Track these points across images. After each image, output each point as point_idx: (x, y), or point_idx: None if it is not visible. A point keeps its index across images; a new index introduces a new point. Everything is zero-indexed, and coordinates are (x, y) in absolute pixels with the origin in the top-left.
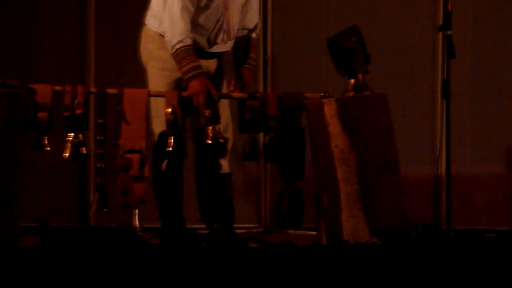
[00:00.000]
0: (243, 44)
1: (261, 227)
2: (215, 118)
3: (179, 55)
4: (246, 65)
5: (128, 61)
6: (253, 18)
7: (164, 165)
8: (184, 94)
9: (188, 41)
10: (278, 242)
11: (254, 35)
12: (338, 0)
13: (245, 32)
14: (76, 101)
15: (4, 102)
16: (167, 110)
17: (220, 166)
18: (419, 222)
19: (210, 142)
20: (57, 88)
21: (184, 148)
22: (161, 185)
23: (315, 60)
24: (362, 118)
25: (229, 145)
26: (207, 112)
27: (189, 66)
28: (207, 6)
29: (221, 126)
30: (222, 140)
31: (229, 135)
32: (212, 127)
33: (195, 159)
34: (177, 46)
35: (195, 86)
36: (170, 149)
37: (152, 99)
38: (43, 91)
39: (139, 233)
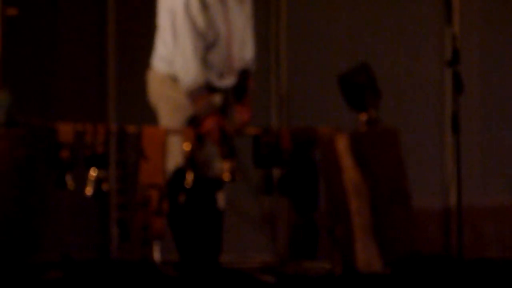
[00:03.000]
0: (241, 76)
1: (277, 259)
2: (232, 154)
3: (193, 94)
4: (246, 97)
5: (146, 99)
6: (249, 50)
7: (182, 200)
8: (199, 131)
9: (201, 80)
10: (293, 273)
11: (250, 66)
12: (349, 37)
13: (243, 64)
14: (97, 139)
15: (27, 141)
16: (184, 146)
17: (216, 200)
18: (431, 252)
19: (226, 178)
20: (78, 127)
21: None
22: (179, 219)
23: (328, 95)
24: (374, 152)
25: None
26: (223, 149)
27: (202, 104)
28: (214, 44)
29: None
30: (239, 178)
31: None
32: (228, 163)
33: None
34: (191, 86)
35: (209, 124)
36: (188, 184)
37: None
38: (64, 131)
39: (159, 266)
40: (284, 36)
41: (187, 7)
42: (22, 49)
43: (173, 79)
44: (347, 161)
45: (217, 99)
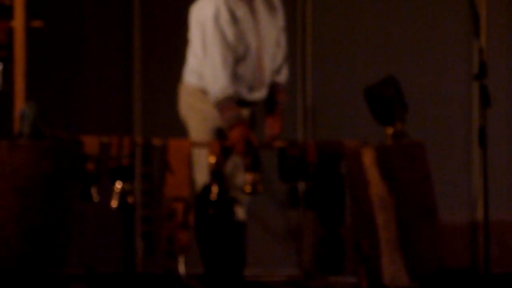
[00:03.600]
0: (273, 89)
1: (302, 273)
2: (256, 166)
3: (221, 105)
4: (277, 109)
5: (172, 112)
6: (282, 64)
7: (208, 213)
8: (225, 143)
9: (230, 92)
10: (318, 287)
11: (282, 79)
12: (375, 49)
13: (274, 78)
14: (122, 152)
15: (53, 154)
16: (210, 159)
17: (235, 213)
18: (457, 267)
19: (248, 191)
20: (104, 140)
21: (227, 196)
22: (205, 232)
23: (354, 108)
24: (400, 166)
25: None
26: (247, 160)
27: (230, 115)
28: (244, 57)
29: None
30: (260, 190)
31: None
32: (252, 175)
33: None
34: (220, 97)
35: (235, 134)
36: (214, 198)
37: (194, 149)
38: (90, 143)
39: (184, 279)
40: (310, 49)
41: (217, 19)
42: (48, 61)
43: (203, 92)
44: (373, 174)
45: (245, 111)
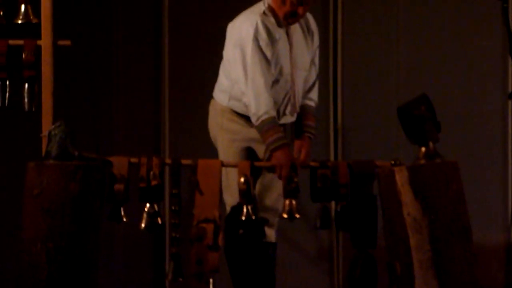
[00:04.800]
0: (302, 112)
1: None
2: (295, 193)
3: (265, 126)
4: (307, 134)
5: (201, 132)
6: (312, 87)
7: (238, 234)
8: (266, 164)
9: (273, 113)
10: None
11: (312, 103)
12: (407, 68)
13: (304, 101)
14: (151, 172)
15: (81, 175)
16: (240, 180)
17: (265, 234)
18: None
19: (286, 216)
20: (132, 160)
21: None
22: (235, 254)
23: (386, 128)
24: (434, 186)
25: (278, 217)
26: (291, 185)
27: (275, 137)
28: (277, 81)
29: (273, 197)
30: (298, 216)
31: (280, 206)
32: (289, 201)
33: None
34: (263, 118)
35: (280, 157)
36: (244, 219)
37: (223, 169)
38: (119, 163)
39: None
40: (341, 69)
41: (256, 40)
42: (76, 80)
43: (233, 112)
44: (406, 195)
45: None
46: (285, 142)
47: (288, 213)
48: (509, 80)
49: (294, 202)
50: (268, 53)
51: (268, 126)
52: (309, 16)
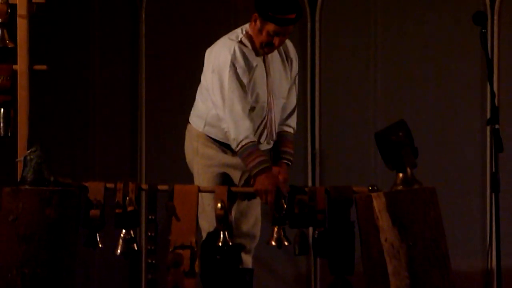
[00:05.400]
0: (280, 139)
1: None
2: (284, 220)
3: (245, 151)
4: (284, 160)
5: (177, 156)
6: (291, 115)
7: (214, 260)
8: (250, 189)
9: (253, 138)
10: None
11: (291, 130)
12: (384, 93)
13: (283, 128)
14: (127, 198)
15: (57, 200)
16: (217, 205)
17: (242, 261)
18: None
19: (274, 243)
20: (108, 185)
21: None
22: (211, 280)
23: (363, 154)
24: (411, 212)
25: (255, 243)
26: (279, 212)
27: (257, 160)
28: (253, 108)
29: (250, 222)
30: (287, 243)
31: (257, 231)
32: (278, 228)
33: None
34: (243, 143)
35: (264, 182)
36: (220, 244)
37: (199, 194)
38: (95, 189)
39: None
40: (319, 94)
41: (233, 66)
42: (52, 105)
43: (208, 138)
44: (383, 221)
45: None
46: (267, 166)
47: (276, 241)
48: (488, 106)
49: (282, 229)
50: (245, 80)
51: (249, 151)
52: (289, 44)
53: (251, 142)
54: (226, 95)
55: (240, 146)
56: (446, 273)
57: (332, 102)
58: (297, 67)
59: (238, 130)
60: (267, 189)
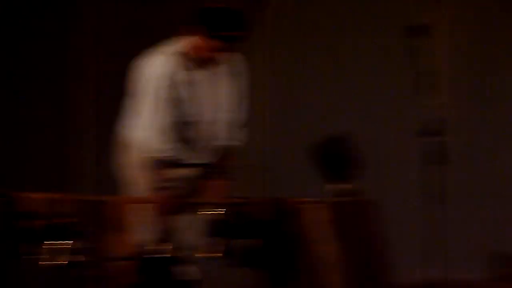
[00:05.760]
0: (224, 152)
1: None
2: (218, 231)
3: (159, 164)
4: (225, 174)
5: (111, 165)
6: (238, 128)
7: (151, 272)
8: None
9: (166, 154)
10: None
11: (237, 143)
12: (328, 108)
13: (228, 141)
14: (60, 210)
15: None
16: (158, 217)
17: (185, 272)
18: None
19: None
20: (41, 197)
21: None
22: None
23: (306, 165)
24: (352, 224)
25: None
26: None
27: (161, 178)
28: (188, 122)
29: (193, 234)
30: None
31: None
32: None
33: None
34: (161, 155)
35: (162, 198)
36: (161, 256)
37: (139, 206)
38: (26, 200)
39: None
40: (269, 106)
41: (163, 79)
42: None
43: (137, 147)
44: (325, 232)
45: (192, 173)
46: (168, 184)
47: (212, 252)
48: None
49: (216, 241)
50: (175, 94)
51: (160, 166)
52: (238, 58)
53: (164, 157)
54: (154, 107)
55: (157, 157)
56: (385, 285)
57: (279, 115)
58: (247, 81)
59: (160, 142)
60: (163, 205)
